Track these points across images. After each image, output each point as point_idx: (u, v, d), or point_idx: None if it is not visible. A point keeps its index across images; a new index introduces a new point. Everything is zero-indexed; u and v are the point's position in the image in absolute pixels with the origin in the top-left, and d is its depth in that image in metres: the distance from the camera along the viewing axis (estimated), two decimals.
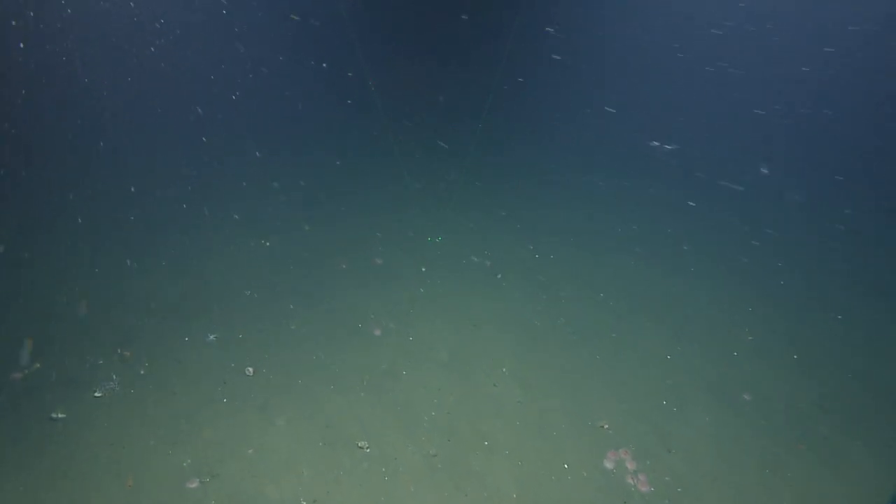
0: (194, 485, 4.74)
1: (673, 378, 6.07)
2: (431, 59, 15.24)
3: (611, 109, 13.03)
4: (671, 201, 9.64)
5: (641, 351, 6.42)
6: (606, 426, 5.48)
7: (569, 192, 9.76)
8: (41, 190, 8.97)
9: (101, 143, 10.53)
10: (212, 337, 6.35)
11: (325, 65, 14.52)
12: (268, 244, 8.11)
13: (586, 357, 6.33)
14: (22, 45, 12.42)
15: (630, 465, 5.10)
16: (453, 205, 9.30)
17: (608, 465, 5.11)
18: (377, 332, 6.60)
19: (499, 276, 7.64)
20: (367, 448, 5.16)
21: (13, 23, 12.44)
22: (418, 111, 12.66)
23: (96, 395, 5.50)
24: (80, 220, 8.30)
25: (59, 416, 5.22)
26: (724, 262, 8.05)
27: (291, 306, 6.91)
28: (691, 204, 9.56)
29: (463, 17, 15.62)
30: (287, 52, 15.03)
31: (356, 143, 11.31)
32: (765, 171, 10.58)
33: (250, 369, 5.93)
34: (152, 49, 13.57)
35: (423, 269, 7.71)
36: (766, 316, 7.05)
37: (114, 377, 5.71)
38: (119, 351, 6.06)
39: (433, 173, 10.28)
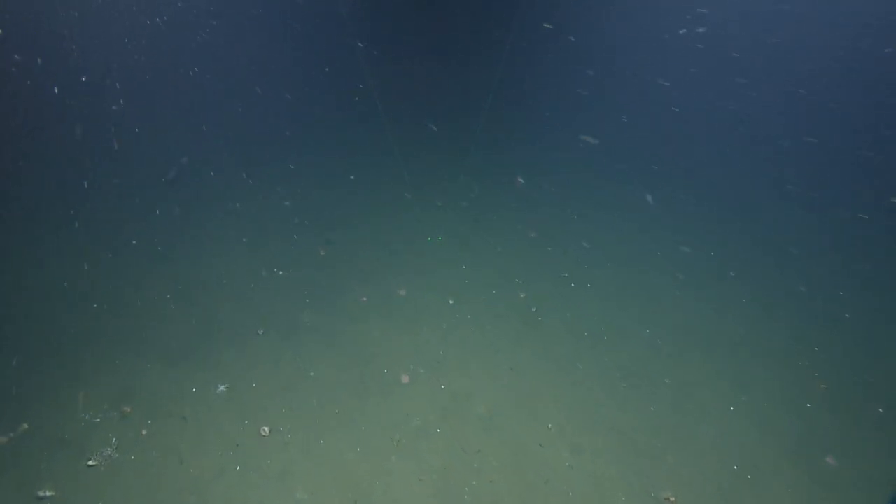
0: None
1: (741, 436, 5.29)
2: (449, 76, 14.38)
3: (644, 121, 12.18)
4: (714, 220, 8.79)
5: (700, 401, 5.64)
6: (672, 499, 4.72)
7: (602, 212, 8.94)
8: (36, 224, 8.18)
9: (100, 170, 9.73)
10: (222, 388, 5.58)
11: (333, 74, 13.68)
12: (281, 273, 7.32)
13: (639, 408, 5.55)
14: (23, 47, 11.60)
15: None
16: (478, 225, 8.50)
17: None
18: (405, 380, 5.82)
19: (534, 309, 6.85)
20: None
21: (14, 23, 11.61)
22: (436, 125, 11.81)
23: (90, 463, 4.73)
24: (74, 250, 7.52)
25: (47, 493, 4.46)
26: (778, 291, 7.24)
27: (309, 348, 6.13)
28: (735, 224, 8.72)
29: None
30: (299, 69, 14.18)
31: (371, 158, 10.47)
32: (811, 192, 9.76)
33: (266, 429, 5.16)
34: (150, 68, 12.75)
35: (451, 302, 6.92)
36: (837, 358, 6.25)
37: (112, 440, 4.95)
38: (118, 407, 5.30)
39: (455, 191, 9.46)
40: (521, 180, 9.62)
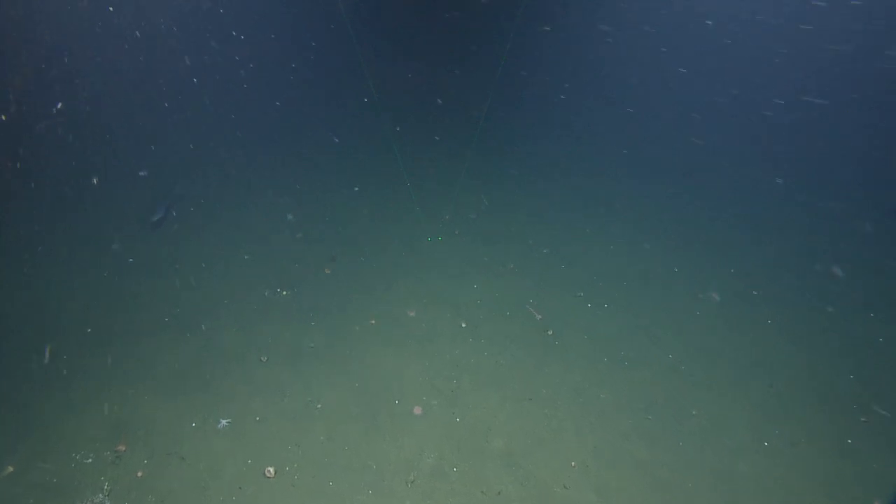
0: None
1: (777, 475, 4.93)
2: (456, 86, 14.01)
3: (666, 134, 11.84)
4: (733, 235, 8.38)
5: (732, 434, 5.28)
6: None
7: (616, 226, 8.57)
8: (24, 240, 7.77)
9: (92, 187, 9.31)
10: (224, 422, 5.18)
11: (335, 85, 13.32)
12: (285, 293, 6.93)
13: (668, 444, 5.18)
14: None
15: None
16: (488, 240, 8.12)
17: None
18: (418, 411, 5.44)
19: (550, 332, 6.48)
20: None
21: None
22: (445, 138, 11.44)
23: None
24: (64, 268, 7.10)
25: None
26: (805, 312, 6.88)
27: (316, 377, 5.74)
28: (755, 239, 8.33)
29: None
30: (301, 81, 13.81)
31: (375, 169, 10.08)
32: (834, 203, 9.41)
33: (271, 469, 4.77)
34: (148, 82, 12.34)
35: (463, 325, 6.54)
36: (875, 387, 5.85)
37: (104, 485, 4.55)
38: (111, 445, 4.90)
39: (463, 202, 9.07)
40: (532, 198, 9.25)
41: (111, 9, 11.33)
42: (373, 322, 6.52)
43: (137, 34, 12.26)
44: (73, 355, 5.81)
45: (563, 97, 12.65)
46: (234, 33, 12.61)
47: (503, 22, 15.06)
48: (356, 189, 9.41)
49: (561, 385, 5.77)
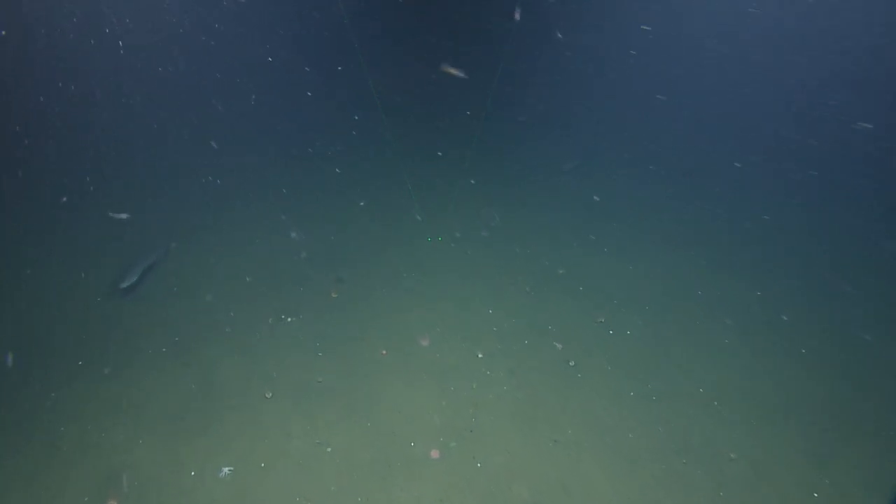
0: None
1: None
2: (465, 102, 13.61)
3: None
4: (758, 253, 7.93)
5: (776, 483, 4.85)
6: None
7: (634, 245, 8.14)
8: (13, 268, 7.31)
9: (86, 211, 8.87)
10: (226, 470, 4.73)
11: (340, 102, 12.91)
12: (290, 321, 6.47)
13: (706, 493, 4.75)
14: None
15: None
16: (501, 260, 7.69)
17: None
18: (435, 455, 4.99)
19: (572, 363, 6.05)
20: None
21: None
22: (452, 151, 11.01)
23: None
24: (54, 294, 6.63)
25: None
26: (839, 340, 6.46)
27: (325, 416, 5.29)
28: (781, 258, 7.90)
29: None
30: (305, 97, 13.40)
31: (380, 183, 9.63)
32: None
33: None
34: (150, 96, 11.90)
35: (480, 355, 6.10)
36: None
37: None
38: (102, 498, 4.44)
39: (473, 218, 8.64)
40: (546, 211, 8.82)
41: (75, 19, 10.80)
42: (384, 353, 6.07)
43: (121, 50, 11.76)
44: (60, 393, 5.35)
45: (580, 110, 12.21)
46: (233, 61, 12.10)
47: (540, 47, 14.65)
48: (361, 204, 8.97)
49: (586, 424, 5.33)
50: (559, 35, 14.75)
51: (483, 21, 14.80)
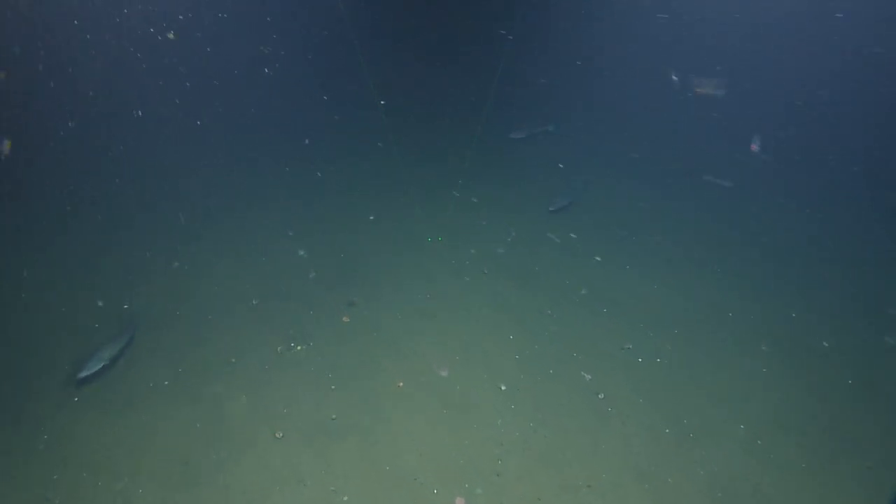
0: None
1: None
2: (476, 115, 13.16)
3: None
4: (791, 272, 7.42)
5: None
6: None
7: (659, 262, 7.69)
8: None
9: (81, 230, 8.44)
10: None
11: (346, 120, 12.46)
12: (300, 349, 6.05)
13: None
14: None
15: None
16: (519, 280, 7.25)
17: None
18: None
19: (601, 395, 5.61)
20: None
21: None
22: (463, 162, 10.56)
23: None
24: (46, 319, 6.21)
25: None
26: (886, 368, 6.02)
27: (340, 458, 4.87)
28: (816, 277, 7.40)
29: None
30: (312, 103, 12.94)
31: (389, 195, 9.19)
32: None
33: None
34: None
35: (503, 387, 5.67)
36: None
37: None
38: None
39: (488, 233, 8.20)
40: (558, 224, 8.36)
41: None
42: (400, 384, 5.64)
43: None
44: (53, 436, 4.93)
45: (597, 121, 11.70)
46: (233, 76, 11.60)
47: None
48: (371, 218, 8.53)
49: (622, 467, 4.90)
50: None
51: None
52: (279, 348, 6.01)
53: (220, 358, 5.86)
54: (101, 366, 5.40)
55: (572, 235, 8.12)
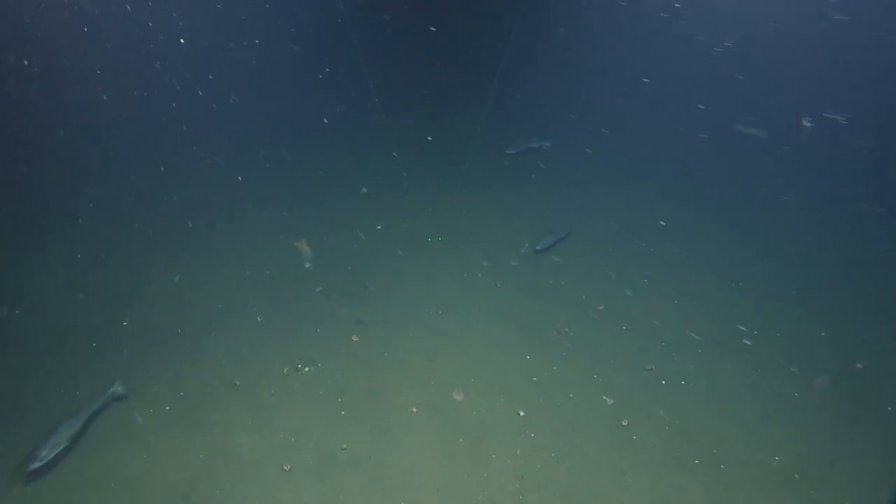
0: None
1: None
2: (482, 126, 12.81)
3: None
4: (822, 288, 7.07)
5: None
6: None
7: (682, 278, 7.35)
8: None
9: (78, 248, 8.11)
10: None
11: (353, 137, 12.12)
12: (307, 370, 5.73)
13: None
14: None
15: None
16: (533, 293, 6.93)
17: None
18: None
19: (624, 422, 5.30)
20: None
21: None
22: (473, 169, 10.22)
23: None
24: (41, 345, 5.90)
25: None
26: None
27: (351, 493, 4.55)
28: (849, 297, 7.06)
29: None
30: (317, 107, 12.61)
31: (396, 203, 8.86)
32: None
33: None
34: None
35: (521, 413, 5.36)
36: None
37: None
38: None
39: (501, 244, 7.88)
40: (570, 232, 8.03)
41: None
42: (414, 410, 5.33)
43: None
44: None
45: (608, 130, 11.33)
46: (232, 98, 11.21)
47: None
48: (378, 227, 8.21)
49: (650, 499, 4.60)
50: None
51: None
52: (286, 370, 5.70)
53: (223, 381, 5.54)
54: (57, 451, 4.49)
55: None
